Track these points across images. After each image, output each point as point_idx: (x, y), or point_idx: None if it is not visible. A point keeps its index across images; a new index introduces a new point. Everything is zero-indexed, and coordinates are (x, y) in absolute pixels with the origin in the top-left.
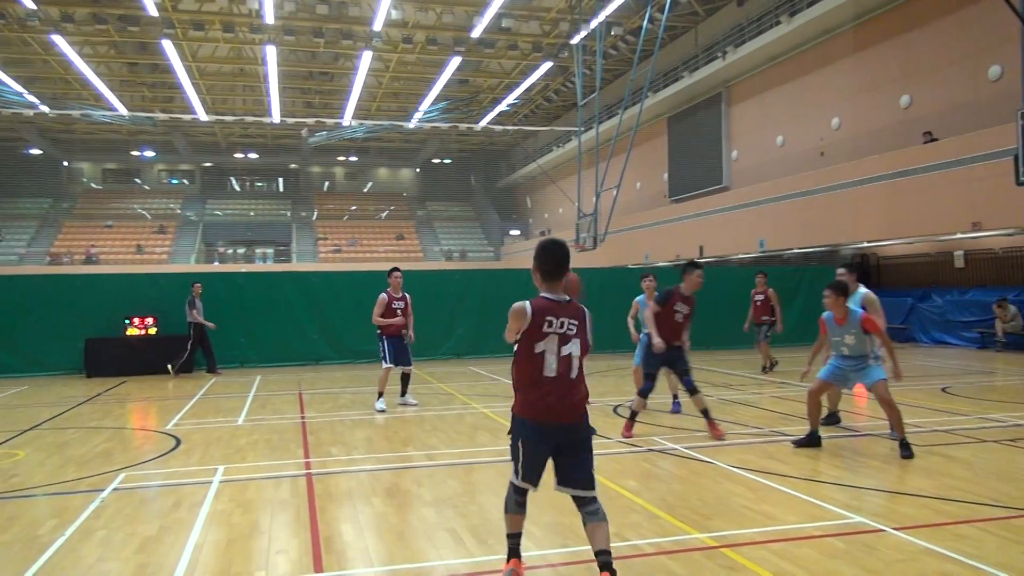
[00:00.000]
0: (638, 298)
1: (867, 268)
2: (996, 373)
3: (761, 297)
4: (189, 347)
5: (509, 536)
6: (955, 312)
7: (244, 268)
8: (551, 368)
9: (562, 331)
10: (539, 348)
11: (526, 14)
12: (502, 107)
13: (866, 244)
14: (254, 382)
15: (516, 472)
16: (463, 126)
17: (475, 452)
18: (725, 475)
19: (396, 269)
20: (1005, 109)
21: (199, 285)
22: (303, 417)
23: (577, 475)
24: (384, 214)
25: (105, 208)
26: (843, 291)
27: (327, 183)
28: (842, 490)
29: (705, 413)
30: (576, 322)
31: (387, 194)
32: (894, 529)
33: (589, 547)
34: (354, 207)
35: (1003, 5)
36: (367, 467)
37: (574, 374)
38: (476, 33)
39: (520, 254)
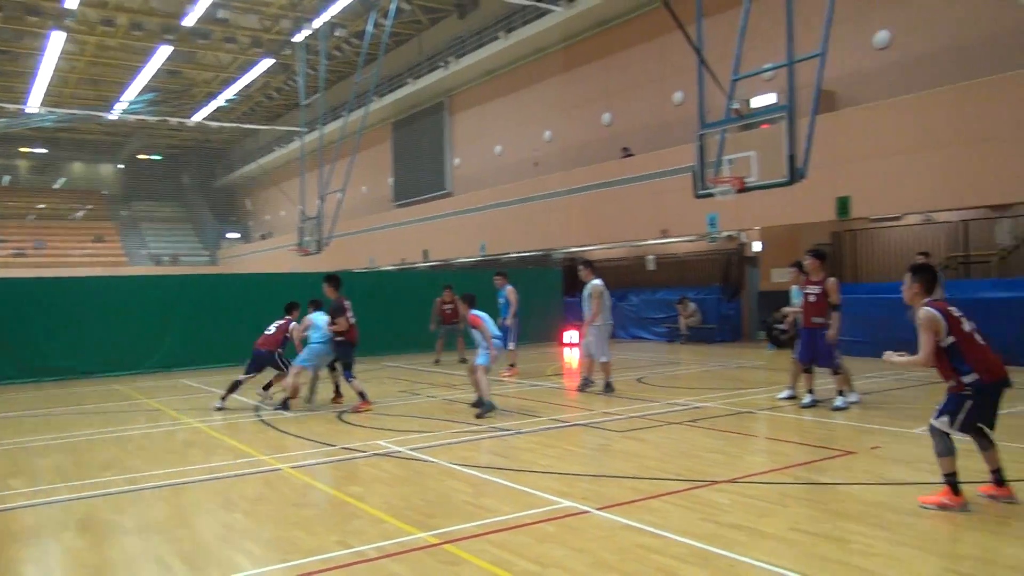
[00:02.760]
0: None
1: (576, 271)
2: (680, 363)
3: (450, 306)
4: None
5: (947, 475)
6: (648, 310)
7: None
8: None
9: None
10: (966, 328)
11: (245, 7)
12: (218, 102)
13: (575, 248)
14: None
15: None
16: (174, 120)
17: (186, 471)
18: (447, 473)
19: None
20: (686, 130)
21: None
22: None
23: None
24: (80, 214)
25: None
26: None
27: (7, 177)
28: (554, 478)
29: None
30: None
31: (84, 191)
32: (597, 509)
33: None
34: (42, 205)
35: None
36: (57, 498)
37: None
38: (189, 22)
39: (240, 258)
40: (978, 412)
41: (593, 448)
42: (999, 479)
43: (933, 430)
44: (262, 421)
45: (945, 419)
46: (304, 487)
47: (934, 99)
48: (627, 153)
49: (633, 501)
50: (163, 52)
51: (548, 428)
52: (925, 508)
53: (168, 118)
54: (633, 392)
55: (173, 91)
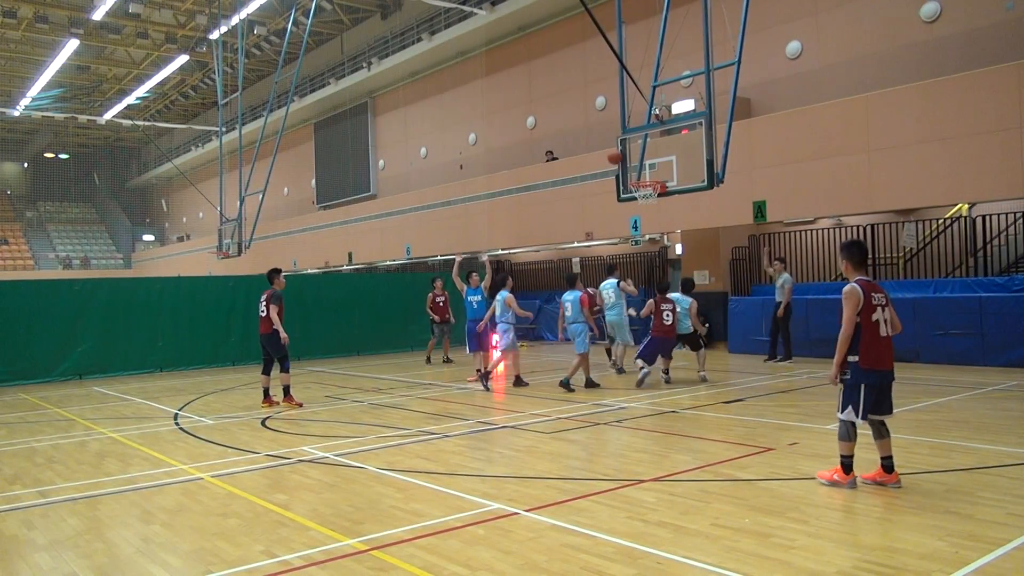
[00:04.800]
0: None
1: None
2: (606, 364)
3: (442, 298)
4: None
5: (844, 456)
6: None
7: None
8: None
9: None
10: (874, 317)
11: (158, 1)
12: (131, 100)
13: (501, 251)
14: None
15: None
16: (83, 117)
17: (101, 483)
18: (375, 478)
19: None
20: (609, 135)
21: None
22: None
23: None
24: None
25: None
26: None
27: None
28: (482, 480)
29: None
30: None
31: None
32: (526, 511)
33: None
34: None
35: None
36: None
37: None
38: (98, 16)
39: (155, 261)
40: (873, 398)
41: (521, 450)
42: (888, 466)
43: (841, 423)
44: (182, 429)
45: (850, 410)
46: (227, 496)
47: (843, 107)
48: (551, 157)
49: (561, 502)
50: (70, 46)
51: (476, 431)
52: (820, 482)
53: (77, 115)
54: (560, 393)
55: (82, 87)
